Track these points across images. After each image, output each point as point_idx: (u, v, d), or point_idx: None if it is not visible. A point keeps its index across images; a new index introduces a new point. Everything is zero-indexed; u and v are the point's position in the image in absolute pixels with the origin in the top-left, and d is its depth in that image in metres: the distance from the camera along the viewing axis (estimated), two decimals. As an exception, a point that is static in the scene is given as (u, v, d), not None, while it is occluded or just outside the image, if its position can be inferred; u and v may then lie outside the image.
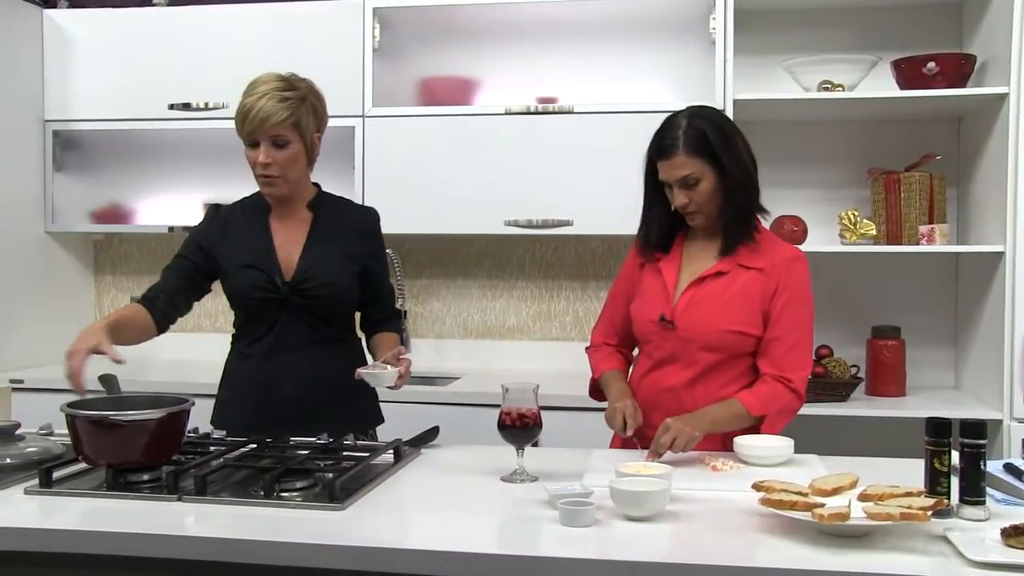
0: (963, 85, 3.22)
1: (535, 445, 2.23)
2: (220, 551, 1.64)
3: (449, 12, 3.50)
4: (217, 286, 2.50)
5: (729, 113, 3.20)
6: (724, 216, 2.28)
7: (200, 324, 4.07)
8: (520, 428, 2.01)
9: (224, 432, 2.40)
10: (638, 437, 2.22)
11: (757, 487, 1.75)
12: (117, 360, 2.11)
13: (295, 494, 1.87)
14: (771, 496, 1.68)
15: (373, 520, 1.76)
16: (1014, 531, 1.55)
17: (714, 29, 3.29)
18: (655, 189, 2.34)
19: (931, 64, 3.20)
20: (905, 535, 1.62)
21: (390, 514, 1.80)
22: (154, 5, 3.81)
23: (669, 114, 2.31)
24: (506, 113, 3.44)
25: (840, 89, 3.30)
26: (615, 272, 2.52)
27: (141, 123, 3.70)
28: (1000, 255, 3.08)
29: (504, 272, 3.86)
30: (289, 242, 2.41)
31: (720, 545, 1.63)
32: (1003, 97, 3.06)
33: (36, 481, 1.92)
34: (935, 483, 1.75)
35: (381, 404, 2.56)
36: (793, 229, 3.28)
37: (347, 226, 2.46)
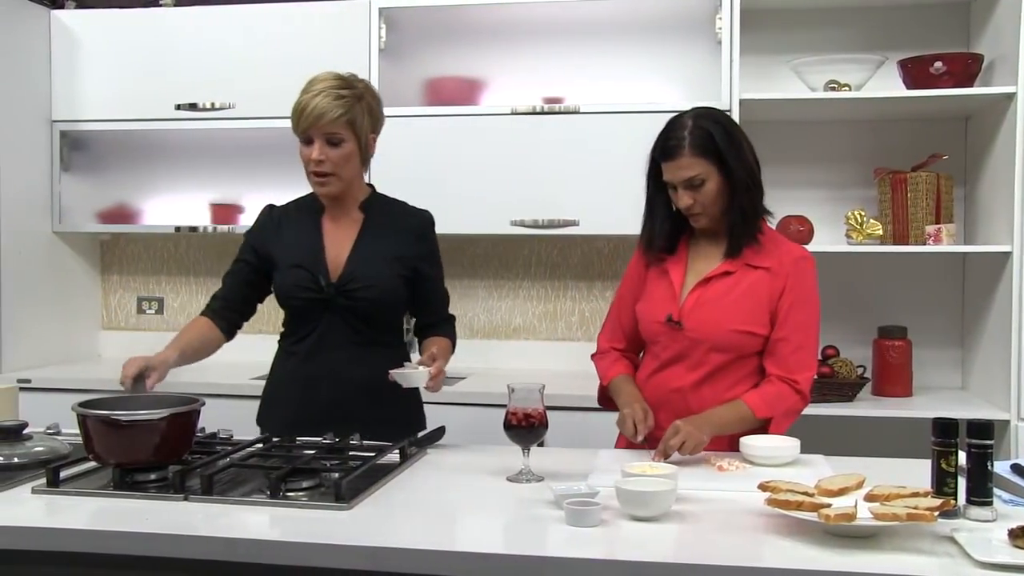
0: (970, 85, 3.22)
1: (541, 445, 2.24)
2: (226, 551, 1.64)
3: (455, 12, 3.50)
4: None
5: (735, 113, 3.20)
6: (729, 218, 2.28)
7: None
8: (526, 428, 2.01)
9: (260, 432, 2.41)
10: (647, 440, 2.22)
11: (763, 487, 1.74)
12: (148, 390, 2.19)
13: (301, 494, 1.87)
14: (777, 496, 1.68)
15: (379, 520, 1.76)
16: (1021, 532, 1.55)
17: (720, 29, 3.28)
18: (658, 190, 2.33)
19: (938, 64, 3.19)
20: (911, 536, 1.62)
21: (396, 514, 1.80)
22: (161, 5, 3.82)
23: (674, 115, 2.31)
24: (512, 113, 3.44)
25: (847, 89, 3.30)
26: (621, 272, 2.52)
27: (148, 123, 3.71)
28: (1007, 255, 3.07)
29: (510, 272, 3.86)
30: (338, 243, 2.42)
31: (726, 545, 1.63)
32: (1011, 97, 3.05)
33: (43, 480, 1.92)
34: (942, 484, 1.75)
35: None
36: (799, 229, 3.28)
37: (398, 227, 2.45)
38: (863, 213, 3.33)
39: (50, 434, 2.28)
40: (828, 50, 3.42)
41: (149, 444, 1.91)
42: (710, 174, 2.23)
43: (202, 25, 3.67)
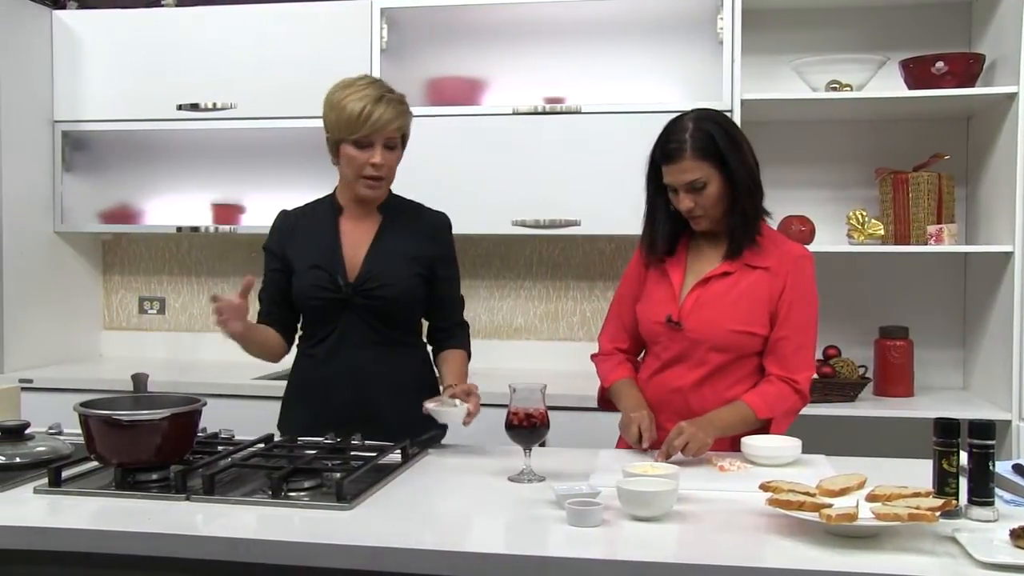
0: (972, 85, 3.22)
1: (542, 445, 2.24)
2: (228, 551, 1.64)
3: (457, 12, 3.50)
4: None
5: (737, 113, 3.20)
6: (730, 220, 2.28)
7: (208, 324, 4.08)
8: (527, 428, 2.01)
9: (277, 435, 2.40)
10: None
11: (764, 487, 1.75)
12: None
13: (303, 494, 1.87)
14: (779, 496, 1.68)
15: (381, 520, 1.76)
16: (1023, 532, 1.55)
17: (722, 29, 3.28)
18: (659, 193, 2.33)
19: (940, 64, 3.19)
20: (913, 536, 1.62)
21: (398, 514, 1.80)
22: (163, 6, 3.82)
23: (673, 116, 2.30)
24: (513, 113, 3.45)
25: (848, 89, 3.30)
26: (622, 272, 2.52)
27: (150, 124, 3.71)
28: (1009, 255, 3.07)
29: (511, 272, 3.86)
30: (356, 243, 2.42)
31: (727, 545, 1.63)
32: (1012, 97, 3.05)
33: (45, 480, 1.92)
34: (943, 484, 1.75)
35: None
36: (801, 229, 3.28)
37: (416, 228, 2.45)
38: (864, 213, 3.33)
39: (52, 434, 2.28)
40: (829, 50, 3.42)
41: (151, 444, 1.91)
42: (712, 177, 2.22)
43: (204, 25, 3.67)
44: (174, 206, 3.76)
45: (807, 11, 3.55)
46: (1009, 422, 3.02)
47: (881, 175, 3.41)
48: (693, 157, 2.21)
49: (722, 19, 3.28)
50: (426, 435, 2.27)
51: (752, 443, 2.16)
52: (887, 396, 3.32)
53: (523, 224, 3.44)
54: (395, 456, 2.14)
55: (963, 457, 1.76)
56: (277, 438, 2.33)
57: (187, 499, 1.84)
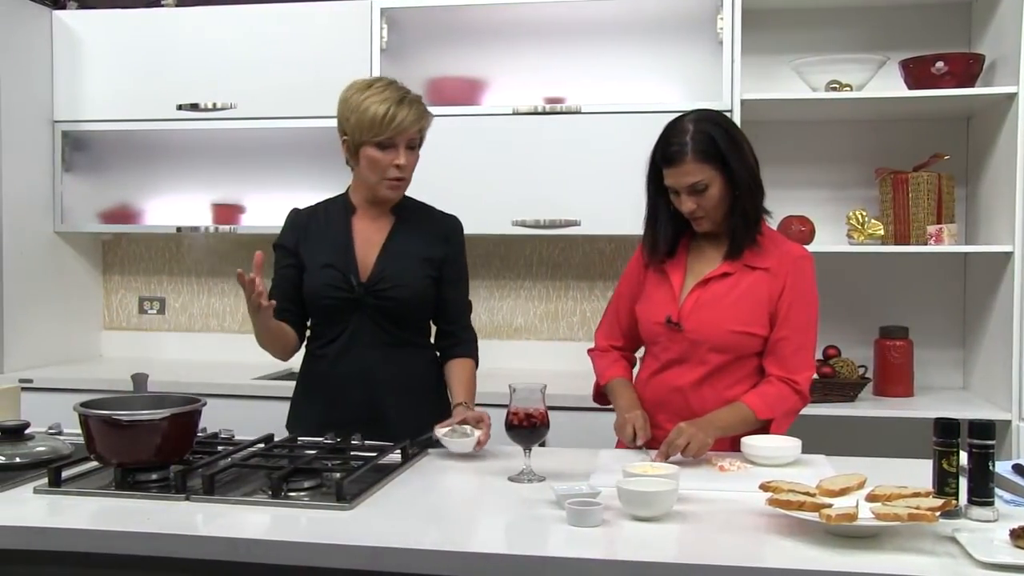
0: (972, 85, 3.22)
1: (542, 445, 2.24)
2: (228, 551, 1.64)
3: (457, 12, 3.50)
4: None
5: (737, 113, 3.20)
6: (731, 220, 2.28)
7: (208, 324, 4.08)
8: (527, 428, 2.01)
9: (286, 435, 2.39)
10: (646, 445, 2.22)
11: (764, 487, 1.75)
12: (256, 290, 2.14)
13: (303, 494, 1.87)
14: (779, 496, 1.68)
15: (381, 520, 1.76)
16: (1023, 532, 1.55)
17: (722, 29, 3.28)
18: (659, 194, 2.33)
19: (939, 64, 3.19)
20: (913, 536, 1.62)
21: (398, 514, 1.80)
22: (163, 6, 3.82)
23: (673, 118, 2.30)
24: (514, 113, 3.45)
25: (848, 89, 3.30)
26: (622, 272, 2.52)
27: (150, 124, 3.71)
28: (1009, 255, 3.07)
29: (511, 272, 3.86)
30: (368, 243, 2.42)
31: (727, 545, 1.63)
32: (1012, 97, 3.06)
33: (45, 480, 1.92)
34: (943, 484, 1.75)
35: None
36: (801, 229, 3.28)
37: (427, 230, 2.46)
38: (864, 213, 3.33)
39: (52, 434, 2.28)
40: (829, 50, 3.42)
41: (151, 444, 1.91)
42: (713, 179, 2.22)
43: (204, 25, 3.67)
44: (174, 206, 3.76)
45: (807, 11, 3.55)
46: (1009, 422, 3.02)
47: (881, 175, 3.41)
48: (694, 159, 2.21)
49: (722, 19, 3.29)
50: (426, 435, 2.27)
51: (752, 443, 2.16)
52: (887, 396, 3.32)
53: (523, 224, 3.45)
54: (395, 456, 2.14)
55: (963, 457, 1.76)
56: (278, 438, 2.32)
57: (187, 499, 1.84)
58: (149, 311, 4.12)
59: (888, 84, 3.35)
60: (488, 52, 3.53)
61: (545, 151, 3.43)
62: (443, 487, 2.03)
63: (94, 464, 2.01)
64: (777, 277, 2.28)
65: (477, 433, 2.20)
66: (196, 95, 3.65)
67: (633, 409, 2.26)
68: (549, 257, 3.84)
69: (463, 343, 2.50)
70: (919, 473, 1.87)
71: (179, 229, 3.77)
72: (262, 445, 2.21)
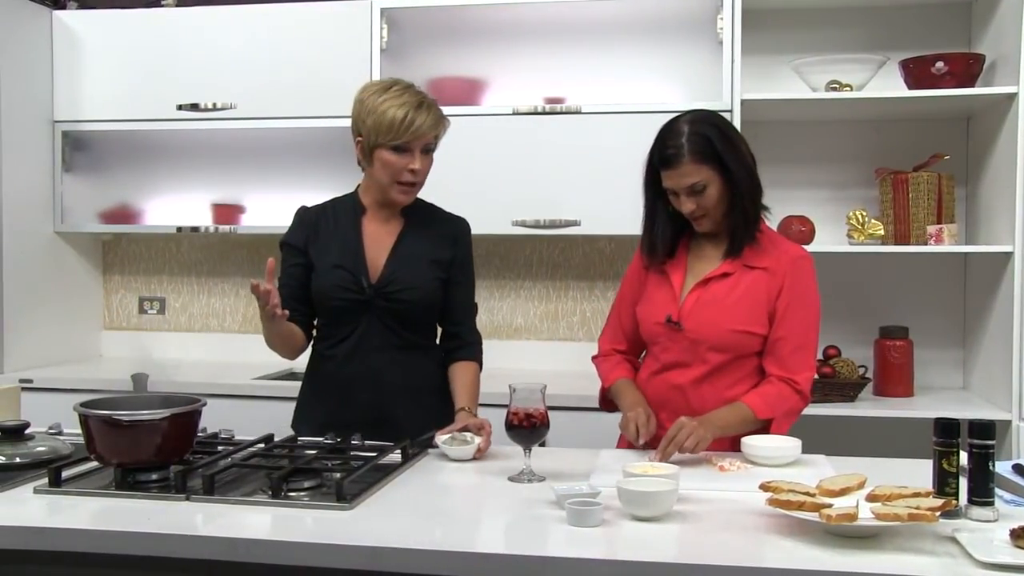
0: (972, 85, 3.22)
1: (542, 445, 2.24)
2: (228, 551, 1.64)
3: (457, 12, 3.50)
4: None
5: (737, 113, 3.20)
6: (731, 219, 2.28)
7: (208, 324, 4.08)
8: (527, 428, 2.01)
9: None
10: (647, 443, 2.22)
11: (765, 487, 1.75)
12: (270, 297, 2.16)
13: (303, 494, 1.87)
14: (779, 496, 1.68)
15: (381, 520, 1.76)
16: (1023, 532, 1.55)
17: (722, 29, 3.28)
18: (657, 196, 2.33)
19: (940, 64, 3.19)
20: (913, 536, 1.62)
21: (398, 514, 1.80)
22: (163, 6, 3.82)
23: (668, 120, 2.29)
24: (514, 113, 3.45)
25: (848, 89, 3.30)
26: (623, 272, 2.52)
27: (150, 124, 3.71)
28: (1009, 255, 3.07)
29: (512, 272, 3.86)
30: (378, 245, 2.41)
31: (727, 545, 1.63)
32: (1012, 97, 3.05)
33: (45, 480, 1.92)
34: (943, 484, 1.75)
35: None
36: (801, 229, 3.28)
37: (436, 232, 2.46)
38: (864, 213, 3.33)
39: (52, 434, 2.28)
40: (829, 50, 3.41)
41: (151, 444, 1.91)
42: (712, 179, 2.22)
43: (204, 25, 3.67)
44: (174, 206, 3.76)
45: (807, 11, 3.55)
46: (1009, 422, 3.02)
47: (881, 175, 3.41)
48: (692, 161, 2.21)
49: (722, 19, 3.28)
50: (426, 435, 2.27)
51: (752, 443, 2.15)
52: (887, 396, 3.32)
53: (523, 224, 3.45)
54: (395, 456, 2.14)
55: (963, 457, 1.76)
56: (282, 437, 2.32)
57: (187, 499, 1.84)
58: (149, 311, 4.12)
59: (888, 84, 3.35)
60: (488, 52, 3.53)
61: (545, 151, 3.43)
62: (443, 487, 2.03)
63: (94, 464, 2.01)
64: (775, 277, 2.28)
65: (477, 440, 2.20)
66: (196, 95, 3.65)
67: (636, 407, 2.26)
68: (549, 257, 3.84)
69: (468, 346, 2.49)
70: (919, 473, 1.87)
71: (179, 229, 3.77)
72: (262, 445, 2.21)
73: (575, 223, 3.42)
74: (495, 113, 3.46)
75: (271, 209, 3.65)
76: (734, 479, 2.02)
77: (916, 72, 3.25)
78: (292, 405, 2.54)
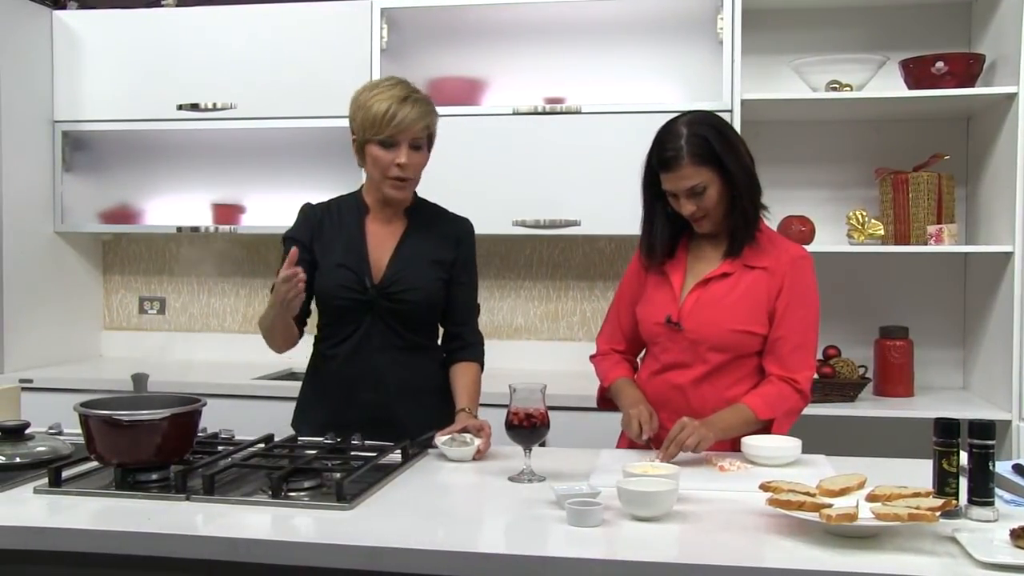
0: (972, 85, 3.22)
1: (542, 445, 2.24)
2: (228, 551, 1.64)
3: (457, 13, 3.51)
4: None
5: (737, 113, 3.20)
6: (731, 220, 2.28)
7: (208, 324, 4.08)
8: (527, 428, 2.01)
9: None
10: (652, 440, 2.22)
11: (765, 487, 1.75)
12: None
13: (303, 494, 1.87)
14: (779, 496, 1.68)
15: (381, 520, 1.76)
16: (1023, 532, 1.55)
17: (722, 29, 3.28)
18: (656, 198, 2.33)
19: (940, 64, 3.19)
20: (913, 536, 1.62)
21: (398, 514, 1.80)
22: (163, 6, 3.82)
23: (666, 122, 2.29)
24: (514, 113, 3.45)
25: (848, 89, 3.30)
26: (623, 272, 2.52)
27: (150, 124, 3.71)
28: (1009, 255, 3.07)
29: (512, 272, 3.86)
30: (382, 245, 2.41)
31: (728, 545, 1.63)
32: (1012, 97, 3.05)
33: (45, 480, 1.92)
34: (943, 484, 1.75)
35: None
36: (801, 229, 3.28)
37: (439, 233, 2.45)
38: (864, 213, 3.33)
39: (52, 434, 2.28)
40: (830, 50, 3.41)
41: (151, 444, 1.91)
42: (711, 181, 2.22)
43: (204, 25, 3.67)
44: (174, 206, 3.76)
45: (807, 11, 3.55)
46: (1009, 422, 3.02)
47: (881, 175, 3.41)
48: (691, 163, 2.21)
49: (722, 19, 3.28)
50: (426, 436, 2.27)
51: (752, 443, 2.16)
52: (887, 396, 3.32)
53: (523, 224, 3.45)
54: (395, 456, 2.14)
55: (963, 457, 1.76)
56: (282, 437, 2.32)
57: (187, 499, 1.84)
58: (149, 311, 4.12)
59: (888, 84, 3.35)
60: (488, 52, 3.53)
61: (545, 151, 3.43)
62: (443, 487, 2.03)
63: (94, 464, 2.02)
64: (775, 276, 2.28)
65: (477, 442, 2.20)
66: (196, 95, 3.65)
67: (638, 404, 2.26)
68: (549, 257, 3.84)
69: (470, 346, 2.49)
70: (919, 473, 1.87)
71: (179, 229, 3.77)
72: (262, 445, 2.21)
73: (575, 223, 3.42)
74: (495, 113, 3.46)
75: (271, 209, 3.66)
76: (734, 479, 2.02)
77: (916, 72, 3.25)
78: (292, 405, 2.54)
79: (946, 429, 1.76)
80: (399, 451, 2.16)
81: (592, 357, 2.53)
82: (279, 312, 2.24)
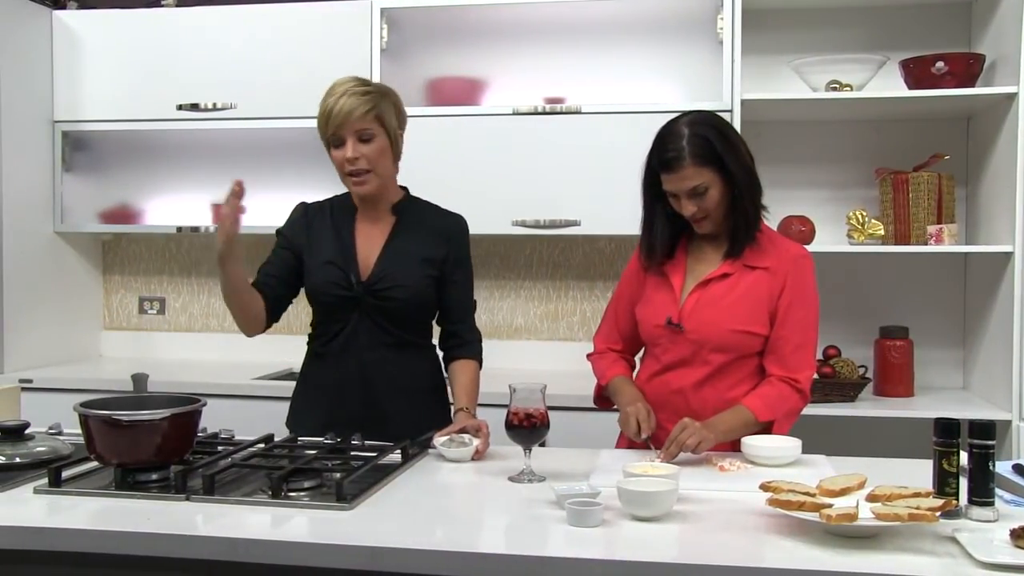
0: (972, 85, 3.22)
1: (542, 445, 2.24)
2: (228, 551, 1.64)
3: (457, 12, 3.51)
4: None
5: (737, 113, 3.20)
6: (731, 220, 2.28)
7: (208, 324, 4.08)
8: (527, 428, 2.01)
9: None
10: (651, 439, 2.22)
11: (765, 487, 1.75)
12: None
13: (303, 494, 1.87)
14: (779, 496, 1.68)
15: (381, 520, 1.76)
16: (1023, 532, 1.55)
17: (722, 29, 3.28)
18: (656, 199, 2.33)
19: (940, 64, 3.19)
20: (913, 536, 1.62)
21: (398, 514, 1.80)
22: (163, 6, 3.82)
23: (666, 122, 2.29)
24: (514, 113, 3.45)
25: (848, 89, 3.30)
26: (622, 273, 2.52)
27: (150, 124, 3.71)
28: (1009, 255, 3.07)
29: (512, 272, 3.86)
30: (370, 243, 2.41)
31: (728, 545, 1.63)
32: (1012, 97, 3.05)
33: (45, 480, 1.92)
34: (943, 484, 1.75)
35: None
36: (801, 229, 3.28)
37: (429, 230, 2.44)
38: (865, 213, 3.33)
39: (52, 434, 2.28)
40: (830, 50, 3.42)
41: (151, 444, 1.91)
42: (713, 181, 2.22)
43: (204, 25, 3.67)
44: (174, 206, 3.76)
45: (807, 11, 3.55)
46: (1009, 422, 3.02)
47: (881, 175, 3.41)
48: (693, 164, 2.20)
49: (722, 19, 3.28)
50: (425, 436, 2.27)
51: (752, 443, 2.15)
52: (887, 396, 3.32)
53: (523, 224, 3.45)
54: (395, 456, 2.14)
55: (963, 457, 1.76)
56: (279, 438, 2.32)
57: (187, 499, 1.84)
58: (149, 311, 4.12)
59: (888, 84, 3.35)
60: (488, 52, 3.53)
61: (545, 151, 3.43)
62: (443, 487, 2.03)
63: (94, 464, 2.01)
64: (776, 276, 2.28)
65: (475, 442, 2.20)
66: (196, 95, 3.65)
67: (635, 403, 2.26)
68: (549, 257, 3.84)
69: (467, 344, 2.49)
70: (919, 473, 1.87)
71: (179, 229, 3.77)
72: (262, 445, 2.21)
73: (575, 223, 3.42)
74: (495, 113, 3.46)
75: (271, 209, 3.63)
76: (734, 479, 2.02)
77: (916, 72, 3.25)
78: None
79: (946, 429, 1.76)
80: (399, 451, 2.16)
81: (589, 355, 2.53)
82: (221, 271, 2.22)
